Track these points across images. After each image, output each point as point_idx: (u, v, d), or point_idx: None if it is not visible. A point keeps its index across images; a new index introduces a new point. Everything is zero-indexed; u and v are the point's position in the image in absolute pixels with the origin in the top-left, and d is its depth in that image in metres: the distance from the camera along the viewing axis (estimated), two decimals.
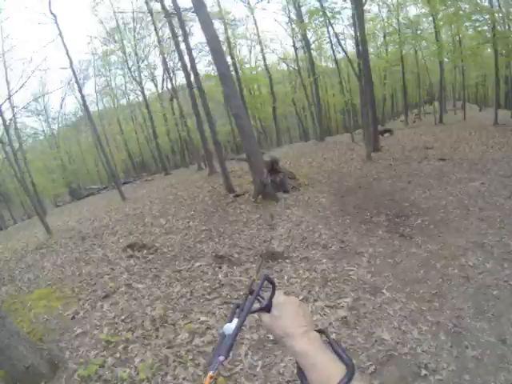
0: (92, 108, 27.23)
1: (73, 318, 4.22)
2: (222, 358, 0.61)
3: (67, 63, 13.11)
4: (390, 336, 3.00)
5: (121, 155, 29.88)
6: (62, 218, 13.41)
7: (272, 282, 0.74)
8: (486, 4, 15.53)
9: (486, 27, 15.81)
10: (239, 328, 0.66)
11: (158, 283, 4.75)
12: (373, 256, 4.47)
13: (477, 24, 15.80)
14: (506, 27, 17.41)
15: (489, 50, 20.09)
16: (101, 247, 7.25)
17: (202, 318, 3.61)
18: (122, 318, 3.96)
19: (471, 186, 6.95)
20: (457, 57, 20.08)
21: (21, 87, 15.56)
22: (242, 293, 3.96)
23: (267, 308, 0.72)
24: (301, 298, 3.66)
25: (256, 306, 0.72)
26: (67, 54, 12.76)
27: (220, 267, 4.80)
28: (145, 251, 6.28)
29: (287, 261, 4.68)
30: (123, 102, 30.00)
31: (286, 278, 4.17)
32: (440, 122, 20.56)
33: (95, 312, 4.25)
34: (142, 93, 23.57)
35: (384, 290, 3.65)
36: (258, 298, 0.73)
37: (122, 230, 8.28)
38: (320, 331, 0.69)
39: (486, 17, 14.94)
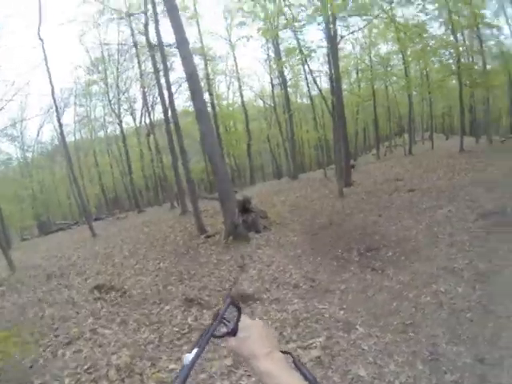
0: (69, 138, 26.84)
1: (31, 367, 3.89)
2: None
3: (49, 90, 13.23)
4: (367, 372, 2.90)
5: (94, 189, 29.17)
6: (27, 252, 12.82)
7: (237, 307, 0.76)
8: (451, 39, 16.74)
9: (451, 60, 17.00)
10: (198, 356, 0.65)
11: (125, 328, 4.50)
12: (344, 292, 4.42)
13: (443, 58, 16.95)
14: (470, 59, 18.84)
15: (453, 82, 21.54)
16: (67, 288, 6.91)
17: (171, 366, 3.40)
18: (85, 367, 3.67)
19: (440, 213, 7.16)
20: (424, 90, 21.36)
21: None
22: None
23: (233, 332, 0.73)
24: None
25: (223, 330, 0.73)
26: (50, 80, 12.70)
27: (190, 311, 4.63)
28: (113, 293, 5.99)
29: (258, 302, 4.56)
30: (101, 134, 29.77)
31: (256, 319, 4.02)
32: (410, 153, 21.42)
33: (56, 361, 3.95)
34: (120, 126, 23.56)
35: (357, 326, 3.58)
36: (225, 322, 0.73)
37: (91, 270, 7.96)
38: (285, 352, 0.71)
39: (451, 51, 16.03)
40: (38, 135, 29.77)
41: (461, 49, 17.15)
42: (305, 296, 4.47)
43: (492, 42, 20.66)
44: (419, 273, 4.61)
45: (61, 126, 14.49)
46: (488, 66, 19.59)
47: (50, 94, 13.14)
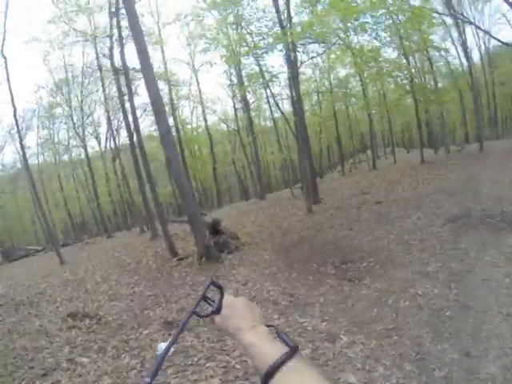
0: (32, 161, 25.78)
1: None
2: (147, 380, 0.59)
3: (10, 111, 12.55)
4: (357, 378, 2.97)
5: (60, 214, 28.05)
6: None
7: (219, 286, 0.79)
8: (404, 62, 18.04)
9: (405, 81, 18.24)
10: (172, 343, 0.68)
11: (104, 356, 4.31)
12: (324, 305, 4.51)
13: (398, 79, 18.17)
14: (422, 79, 20.33)
15: (409, 100, 23.08)
16: (37, 317, 6.52)
17: None
18: None
19: (408, 221, 7.55)
20: (383, 108, 22.63)
21: None
22: (196, 359, 3.73)
23: (218, 310, 0.77)
24: None
25: (209, 309, 0.78)
26: (12, 101, 12.27)
27: (170, 333, 4.52)
28: (88, 321, 5.73)
29: None
30: (65, 157, 28.90)
31: (239, 297, 4.02)
32: (374, 168, 22.37)
33: None
34: (85, 150, 23.00)
35: (341, 335, 3.66)
36: (209, 302, 0.78)
37: (62, 298, 7.59)
38: (269, 326, 0.73)
39: (405, 72, 17.23)
40: None
41: (413, 70, 18.57)
42: (285, 311, 4.52)
43: (441, 63, 22.71)
44: (395, 279, 4.81)
45: (23, 148, 13.99)
46: (439, 84, 21.35)
47: (13, 115, 12.72)
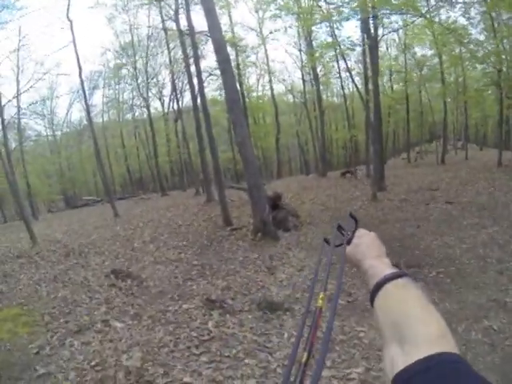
0: (97, 119, 27.44)
1: (37, 353, 3.67)
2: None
3: (77, 71, 13.13)
4: None
5: (120, 169, 29.69)
6: (51, 226, 12.96)
7: (355, 218, 0.90)
8: (493, 47, 15.80)
9: (492, 69, 16.06)
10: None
11: (138, 324, 4.19)
12: None
13: (484, 66, 16.03)
14: (510, 71, 17.77)
15: (489, 92, 20.50)
16: (83, 268, 6.75)
17: (186, 379, 3.03)
18: (93, 363, 3.39)
19: (484, 232, 6.51)
20: (461, 98, 20.43)
21: (29, 88, 15.77)
22: (234, 351, 3.41)
23: (349, 241, 0.85)
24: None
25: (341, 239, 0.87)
26: (78, 61, 12.83)
27: (211, 314, 4.25)
28: (129, 281, 5.74)
29: (288, 314, 4.12)
30: (128, 116, 30.20)
31: (286, 335, 3.62)
32: (442, 162, 20.54)
33: (63, 350, 3.69)
34: (148, 110, 23.65)
35: None
36: (343, 233, 0.89)
37: (109, 252, 7.80)
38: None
39: (493, 59, 15.12)
40: (67, 114, 30.42)
41: (504, 57, 16.10)
42: (341, 313, 4.02)
43: None
44: (468, 302, 4.07)
45: (87, 106, 14.65)
46: None
47: (78, 75, 13.22)
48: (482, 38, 16.62)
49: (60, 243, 8.96)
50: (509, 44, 17.36)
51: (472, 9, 15.38)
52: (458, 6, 12.94)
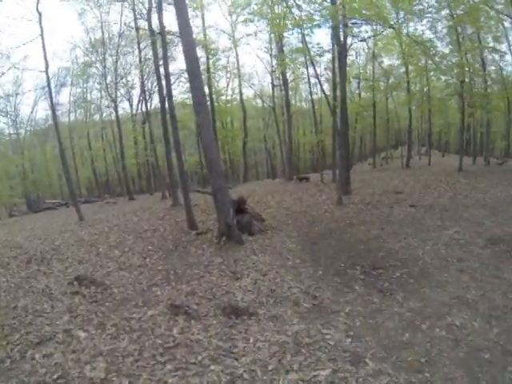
0: (64, 118, 26.34)
1: None
2: None
3: (44, 66, 12.44)
4: None
5: (86, 172, 28.67)
6: (12, 231, 12.31)
7: None
8: (456, 59, 16.70)
9: (455, 80, 16.98)
10: None
11: (102, 333, 4.01)
12: (350, 316, 3.98)
13: (447, 76, 16.92)
14: (472, 82, 18.89)
15: (452, 102, 21.65)
16: (45, 275, 6.43)
17: None
18: (55, 376, 3.20)
19: (446, 233, 6.81)
20: (425, 106, 21.42)
21: None
22: (200, 357, 3.33)
23: None
24: (270, 367, 3.09)
25: None
26: (45, 57, 12.20)
27: (176, 320, 4.14)
28: (93, 288, 5.50)
29: (253, 318, 4.07)
30: (96, 117, 29.18)
31: (251, 340, 3.56)
32: (407, 166, 21.41)
33: (24, 363, 3.47)
34: (116, 111, 22.98)
35: (367, 359, 3.14)
36: None
37: (73, 258, 7.47)
38: None
39: (456, 71, 15.98)
40: (31, 112, 29.02)
41: (466, 69, 17.10)
42: (306, 316, 4.03)
43: (493, 67, 21.01)
44: (431, 300, 4.21)
45: (53, 104, 13.94)
46: (488, 90, 19.81)
47: (44, 71, 12.52)
48: (447, 50, 17.61)
49: (21, 249, 8.50)
50: (472, 57, 18.50)
51: (439, 23, 16.20)
52: (426, 19, 13.56)
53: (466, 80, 17.36)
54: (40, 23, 11.98)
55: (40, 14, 11.97)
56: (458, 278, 4.79)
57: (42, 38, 12.05)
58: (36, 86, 26.08)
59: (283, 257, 6.40)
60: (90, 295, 5.26)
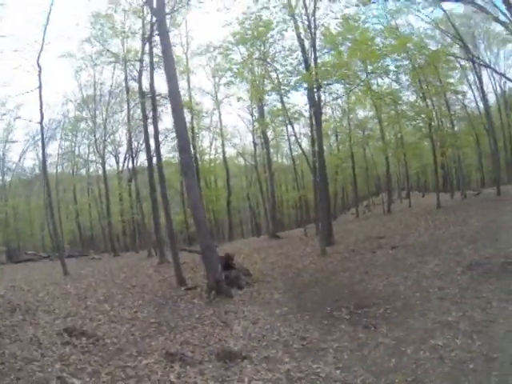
0: (51, 170, 26.30)
1: None
2: None
3: (38, 117, 12.86)
4: None
5: (70, 225, 28.18)
6: None
7: None
8: (422, 104, 18.14)
9: (422, 124, 18.34)
10: None
11: (97, 381, 4.02)
12: (338, 351, 4.19)
13: (416, 122, 18.28)
14: (439, 123, 20.41)
15: (426, 144, 23.07)
16: (32, 326, 6.23)
17: None
18: None
19: (426, 268, 7.24)
20: (400, 152, 22.62)
21: None
22: None
23: None
24: None
25: None
26: (41, 109, 12.58)
27: (172, 366, 4.23)
28: (84, 339, 5.45)
29: (246, 361, 4.25)
30: (83, 171, 29.47)
31: (246, 380, 3.72)
32: (388, 212, 21.99)
33: None
34: (103, 167, 23.42)
35: None
36: None
37: (60, 310, 7.31)
38: None
39: (423, 116, 17.33)
40: (19, 160, 29.15)
41: (433, 113, 18.65)
42: (297, 355, 4.22)
43: (458, 107, 22.89)
44: (414, 328, 4.50)
45: (44, 156, 14.25)
46: (456, 128, 21.41)
47: (39, 122, 12.99)
48: (413, 98, 19.17)
49: (3, 298, 8.26)
50: (437, 100, 20.19)
51: (403, 75, 17.85)
52: (391, 73, 15.04)
53: (433, 123, 18.84)
54: (39, 76, 12.35)
55: (40, 68, 12.35)
56: (439, 305, 5.13)
57: (40, 91, 12.39)
58: (26, 134, 26.56)
59: (271, 306, 6.68)
60: (81, 346, 5.21)
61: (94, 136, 23.46)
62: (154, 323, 6.32)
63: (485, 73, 22.50)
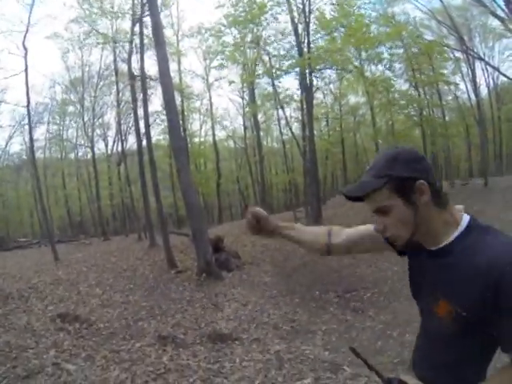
0: (38, 154, 25.71)
1: None
2: None
3: (24, 101, 12.53)
4: None
5: (59, 211, 27.90)
6: None
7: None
8: (414, 93, 18.22)
9: (414, 113, 18.47)
10: None
11: (92, 365, 4.11)
12: (327, 333, 4.36)
13: (408, 110, 18.39)
14: (430, 112, 20.56)
15: (417, 132, 23.27)
16: (25, 313, 6.27)
17: None
18: None
19: None
20: (390, 139, 22.74)
21: None
22: (191, 380, 3.55)
23: None
24: (257, 382, 3.37)
25: None
26: (27, 92, 12.16)
27: (164, 349, 4.34)
28: (77, 325, 5.53)
29: (237, 342, 4.39)
30: (71, 156, 28.97)
31: (238, 360, 3.86)
32: None
33: None
34: (92, 151, 23.04)
35: (345, 367, 3.49)
36: None
37: (53, 296, 7.36)
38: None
39: (415, 104, 17.42)
40: (6, 146, 28.45)
41: (425, 102, 18.76)
42: (286, 337, 4.37)
43: (449, 97, 23.01)
44: (400, 312, 4.70)
45: (32, 141, 13.91)
46: (447, 118, 21.58)
47: (25, 106, 12.65)
48: (405, 86, 19.21)
49: None
50: (429, 90, 20.27)
51: (396, 63, 17.84)
52: (385, 60, 15.01)
53: (425, 112, 18.97)
54: (25, 59, 11.94)
55: (26, 50, 11.93)
56: None
57: (26, 74, 11.99)
58: (12, 119, 25.80)
59: (261, 289, 6.83)
60: (75, 331, 5.29)
61: (83, 119, 22.98)
62: (146, 306, 6.42)
63: (478, 65, 22.50)
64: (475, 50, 20.98)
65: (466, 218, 0.97)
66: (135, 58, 14.49)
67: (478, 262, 0.84)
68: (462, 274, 0.88)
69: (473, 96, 21.44)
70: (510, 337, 0.83)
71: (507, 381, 0.87)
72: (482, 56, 21.69)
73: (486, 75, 25.90)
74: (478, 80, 21.11)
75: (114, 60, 18.01)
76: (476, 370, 0.97)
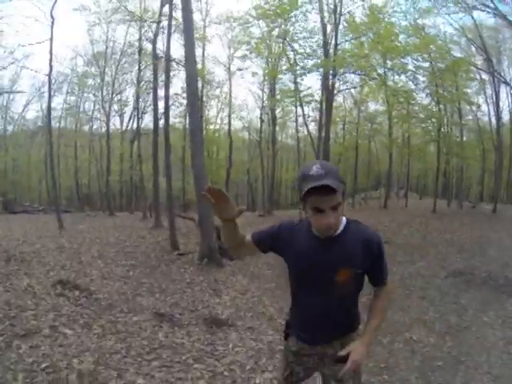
0: (53, 123, 26.04)
1: None
2: None
3: (45, 69, 12.84)
4: None
5: (68, 181, 28.24)
6: None
7: None
8: (435, 109, 18.04)
9: (431, 128, 18.32)
10: None
11: (89, 332, 4.22)
12: None
13: (426, 124, 18.25)
14: (449, 130, 20.37)
15: (432, 148, 23.03)
16: (27, 275, 6.39)
17: (139, 381, 3.18)
18: (43, 366, 3.36)
19: (412, 267, 7.58)
20: (405, 151, 22.66)
21: None
22: (184, 357, 3.65)
23: None
24: (248, 368, 3.46)
25: None
26: (50, 61, 12.35)
27: (160, 326, 4.45)
28: (77, 293, 5.64)
29: (232, 328, 4.50)
30: (86, 128, 29.23)
31: (231, 345, 3.96)
32: (384, 207, 22.24)
33: (10, 352, 3.57)
34: (107, 125, 23.22)
35: None
36: None
37: (55, 262, 7.49)
38: None
39: (434, 120, 17.28)
40: (23, 111, 28.78)
41: (445, 120, 18.58)
42: (280, 329, 4.43)
43: (470, 117, 22.69)
44: (393, 321, 4.74)
45: (49, 108, 14.09)
46: (464, 138, 21.34)
47: (47, 74, 12.80)
48: (426, 101, 19.01)
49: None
50: (450, 107, 20.05)
51: (420, 76, 17.65)
52: (409, 72, 14.87)
53: (443, 129, 18.81)
54: (52, 28, 12.11)
55: (53, 19, 12.09)
56: (418, 304, 5.47)
57: (51, 43, 12.16)
58: (32, 86, 26.09)
59: (260, 280, 6.97)
60: (74, 298, 5.40)
61: (101, 93, 23.17)
62: (146, 283, 6.53)
63: (503, 89, 22.08)
64: (502, 74, 20.63)
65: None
66: (160, 39, 14.50)
67: (361, 239, 1.49)
68: (353, 247, 1.48)
69: (494, 120, 21.15)
70: (377, 274, 1.61)
71: (381, 307, 1.66)
72: (508, 81, 21.31)
73: (510, 100, 25.39)
74: (501, 104, 20.78)
75: (139, 39, 18.06)
76: (355, 302, 1.65)
